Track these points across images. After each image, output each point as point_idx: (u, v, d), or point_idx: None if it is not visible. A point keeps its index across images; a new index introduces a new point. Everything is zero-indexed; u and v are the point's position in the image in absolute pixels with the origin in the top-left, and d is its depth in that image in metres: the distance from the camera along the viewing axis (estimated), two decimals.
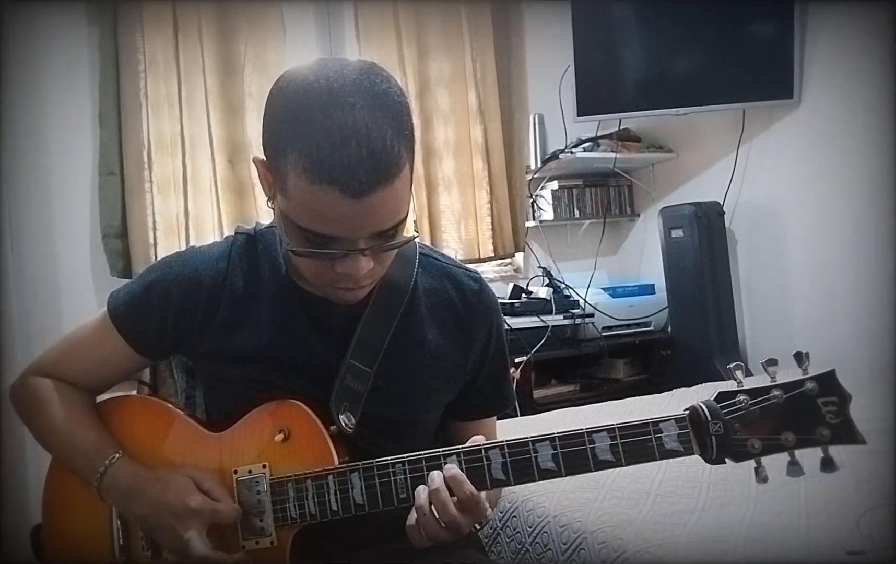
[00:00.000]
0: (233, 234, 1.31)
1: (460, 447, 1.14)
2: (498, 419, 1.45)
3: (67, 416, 1.28)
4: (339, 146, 0.99)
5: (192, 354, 1.31)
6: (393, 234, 1.09)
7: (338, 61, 1.08)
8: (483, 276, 1.35)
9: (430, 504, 1.08)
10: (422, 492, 1.09)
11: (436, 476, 1.09)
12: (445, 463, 1.12)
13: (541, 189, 3.97)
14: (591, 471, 1.09)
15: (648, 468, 1.76)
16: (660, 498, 1.65)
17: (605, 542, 1.46)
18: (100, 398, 1.35)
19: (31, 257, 3.01)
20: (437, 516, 1.08)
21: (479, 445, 1.12)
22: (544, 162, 3.86)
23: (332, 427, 1.19)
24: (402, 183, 1.06)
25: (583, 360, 3.59)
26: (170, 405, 1.34)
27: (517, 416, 2.30)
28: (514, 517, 1.70)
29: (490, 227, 3.77)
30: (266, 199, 1.16)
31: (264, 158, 1.13)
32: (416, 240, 1.30)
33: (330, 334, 1.23)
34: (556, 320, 3.48)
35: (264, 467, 1.20)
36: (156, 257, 2.97)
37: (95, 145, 3.11)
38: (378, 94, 1.04)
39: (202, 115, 3.22)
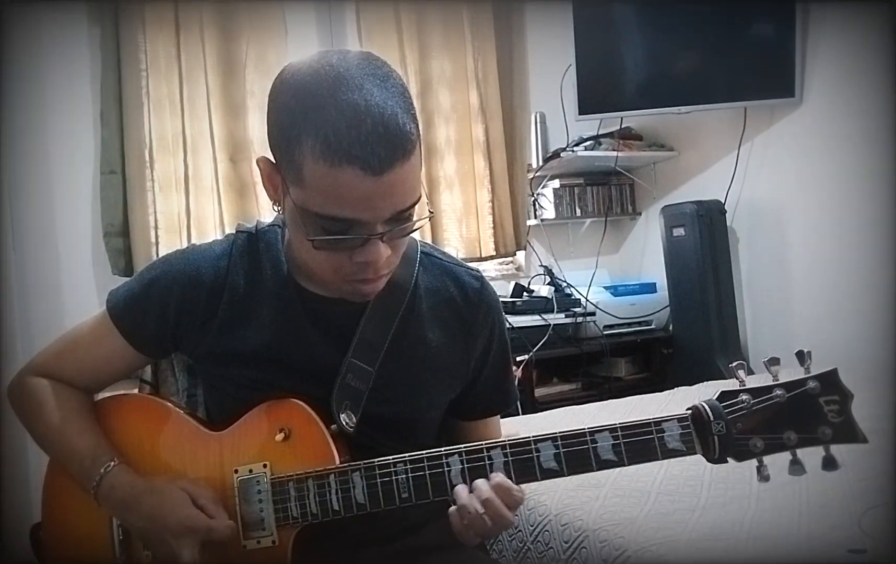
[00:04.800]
0: (234, 232, 1.30)
1: (462, 446, 1.14)
2: (501, 417, 1.45)
3: (64, 419, 1.27)
4: (356, 125, 1.00)
5: (192, 352, 1.31)
6: (408, 216, 1.09)
7: (337, 51, 1.09)
8: (485, 274, 1.35)
9: (483, 511, 1.08)
10: (462, 492, 1.09)
11: (483, 488, 1.08)
12: (448, 463, 1.12)
13: (542, 188, 3.97)
14: (593, 471, 1.09)
15: (650, 467, 1.75)
16: (661, 497, 1.65)
17: (607, 541, 1.46)
18: (99, 397, 1.35)
19: (33, 256, 3.01)
20: (489, 522, 1.08)
21: (481, 444, 1.12)
22: (546, 161, 3.86)
23: (332, 426, 1.19)
24: (416, 160, 1.06)
25: (584, 359, 3.59)
26: (170, 404, 1.34)
27: (518, 415, 2.31)
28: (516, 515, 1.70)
29: (491, 225, 3.77)
30: (272, 202, 1.16)
31: (269, 158, 1.12)
32: (418, 238, 1.30)
33: (331, 333, 1.23)
34: (557, 318, 3.48)
35: (265, 466, 1.20)
36: (157, 256, 2.97)
37: (97, 144, 3.11)
38: (381, 75, 1.05)
39: (204, 114, 3.23)
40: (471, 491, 1.10)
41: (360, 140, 1.00)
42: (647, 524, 1.50)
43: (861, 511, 1.41)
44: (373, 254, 1.08)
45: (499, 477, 1.09)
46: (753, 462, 1.06)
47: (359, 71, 1.04)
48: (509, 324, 2.98)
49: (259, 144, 3.22)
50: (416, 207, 1.10)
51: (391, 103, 1.03)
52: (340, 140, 1.00)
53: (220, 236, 1.35)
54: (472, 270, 1.34)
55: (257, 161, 1.16)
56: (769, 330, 3.50)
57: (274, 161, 1.12)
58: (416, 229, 1.14)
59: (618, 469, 1.10)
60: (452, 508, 1.10)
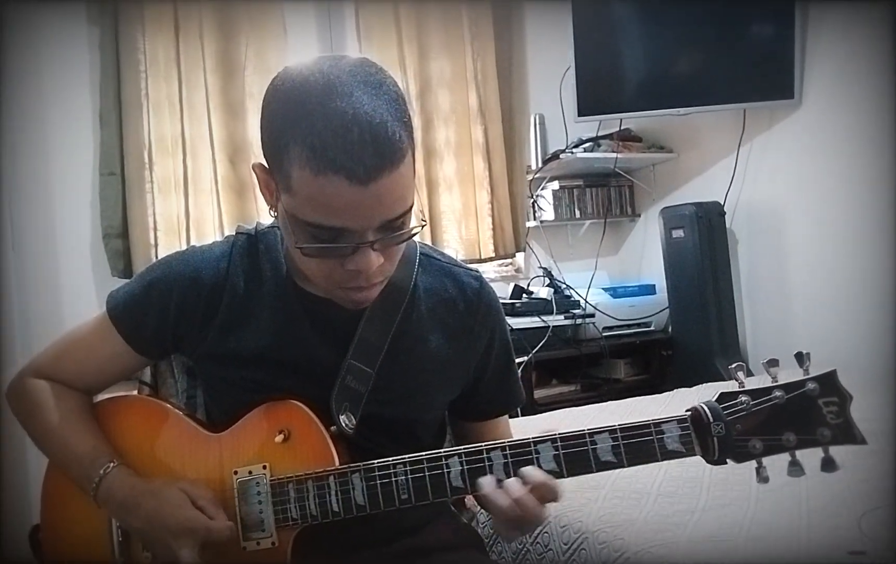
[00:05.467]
0: (233, 234, 1.30)
1: (461, 447, 1.14)
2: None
3: (63, 420, 1.27)
4: (342, 134, 0.99)
5: (192, 354, 1.31)
6: (400, 224, 1.09)
7: (332, 56, 1.09)
8: (484, 276, 1.35)
9: (517, 509, 1.07)
10: (500, 498, 1.08)
11: (515, 487, 1.07)
12: (447, 465, 1.12)
13: (541, 189, 3.97)
14: (592, 472, 1.09)
15: (649, 469, 1.74)
16: (661, 498, 1.65)
17: (606, 542, 1.46)
18: (98, 398, 1.35)
19: (32, 257, 3.01)
20: (525, 517, 1.08)
21: (481, 445, 1.12)
22: (545, 162, 3.86)
23: (332, 428, 1.19)
24: (407, 169, 1.05)
25: (583, 360, 3.59)
26: (169, 406, 1.34)
27: (518, 416, 2.31)
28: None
29: (491, 227, 3.77)
30: (268, 206, 1.16)
31: (263, 163, 1.12)
32: (417, 240, 1.30)
33: (330, 335, 1.23)
34: (556, 320, 3.48)
35: (264, 467, 1.20)
36: (156, 258, 2.97)
37: (96, 145, 3.11)
38: (374, 83, 1.04)
39: (203, 115, 3.23)
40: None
41: (345, 149, 0.99)
42: (646, 525, 1.51)
43: (861, 513, 1.41)
44: (364, 262, 1.07)
45: (531, 471, 1.08)
46: (753, 464, 1.06)
47: (350, 78, 1.03)
48: (509, 326, 2.98)
49: (259, 146, 3.20)
50: (411, 214, 1.10)
51: (381, 111, 1.02)
52: (326, 148, 0.99)
53: (219, 238, 1.35)
54: (472, 270, 1.34)
55: (252, 167, 1.16)
56: (768, 332, 3.50)
57: (267, 167, 1.12)
58: (409, 239, 1.14)
59: (617, 471, 1.10)
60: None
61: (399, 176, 1.03)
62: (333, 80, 1.03)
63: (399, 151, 1.03)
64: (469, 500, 1.53)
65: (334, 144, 0.99)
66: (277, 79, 1.09)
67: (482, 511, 1.61)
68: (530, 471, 1.08)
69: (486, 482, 1.09)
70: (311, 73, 1.05)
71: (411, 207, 1.09)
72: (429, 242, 3.43)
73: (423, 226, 1.21)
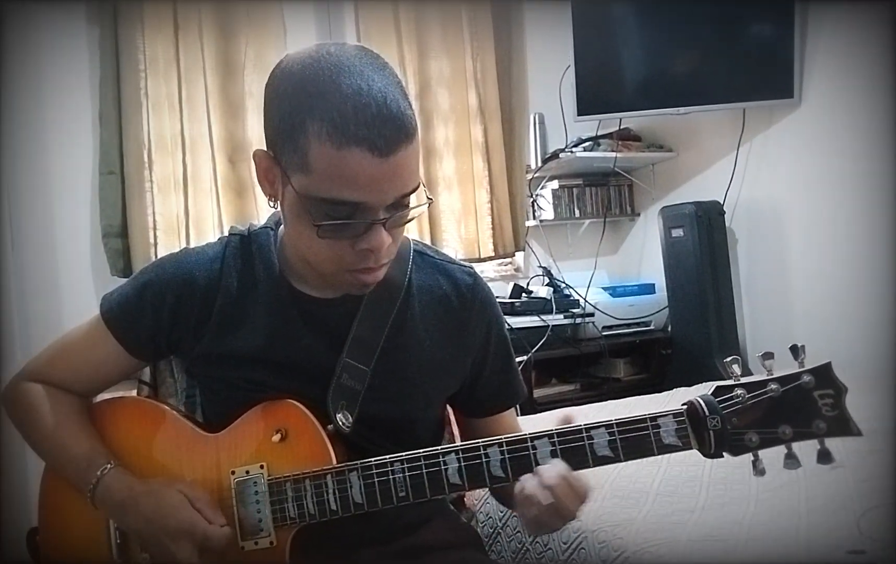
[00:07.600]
0: (226, 235, 1.31)
1: (459, 444, 1.14)
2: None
3: (59, 424, 1.27)
4: (361, 108, 1.02)
5: (187, 356, 1.30)
6: (408, 203, 1.11)
7: (333, 43, 1.12)
8: (483, 275, 1.35)
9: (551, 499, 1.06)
10: (529, 482, 1.08)
11: (552, 475, 1.07)
12: (445, 462, 1.12)
13: (541, 189, 3.97)
14: (589, 467, 1.09)
15: (648, 468, 1.76)
16: (660, 498, 1.65)
17: (606, 541, 1.46)
18: (96, 399, 1.35)
19: (32, 257, 3.01)
20: (559, 510, 1.07)
21: (478, 442, 1.12)
22: (544, 161, 3.86)
23: (329, 427, 1.19)
24: (417, 145, 1.08)
25: (583, 359, 3.59)
26: (166, 407, 1.34)
27: (517, 415, 2.31)
28: (514, 516, 1.70)
29: (490, 226, 3.77)
30: (268, 198, 1.16)
31: (266, 150, 1.13)
32: (412, 238, 1.30)
33: (325, 333, 1.23)
34: (556, 319, 3.47)
35: (262, 467, 1.20)
36: (156, 257, 2.97)
37: (96, 145, 3.11)
38: (379, 65, 1.08)
39: (202, 114, 3.22)
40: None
41: (366, 122, 1.01)
42: (645, 524, 1.50)
43: (860, 512, 1.41)
44: (376, 240, 1.08)
45: (562, 467, 1.08)
46: (749, 457, 1.06)
47: (357, 59, 1.06)
48: (508, 325, 2.98)
49: (258, 144, 3.19)
50: (415, 196, 1.12)
51: (391, 89, 1.05)
52: (347, 122, 1.01)
53: (219, 237, 1.35)
54: (466, 266, 1.34)
55: (254, 154, 1.16)
56: (768, 331, 3.50)
57: (272, 154, 1.11)
58: (416, 217, 1.15)
59: (617, 470, 1.10)
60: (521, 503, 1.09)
61: (413, 150, 1.06)
62: (343, 59, 1.05)
63: (411, 125, 1.06)
64: (468, 498, 1.54)
65: (355, 117, 1.01)
66: (284, 63, 1.11)
67: (481, 509, 1.61)
68: (556, 463, 1.08)
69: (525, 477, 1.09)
70: (320, 55, 1.07)
71: (419, 185, 1.11)
72: (428, 240, 3.44)
73: (430, 202, 1.22)
